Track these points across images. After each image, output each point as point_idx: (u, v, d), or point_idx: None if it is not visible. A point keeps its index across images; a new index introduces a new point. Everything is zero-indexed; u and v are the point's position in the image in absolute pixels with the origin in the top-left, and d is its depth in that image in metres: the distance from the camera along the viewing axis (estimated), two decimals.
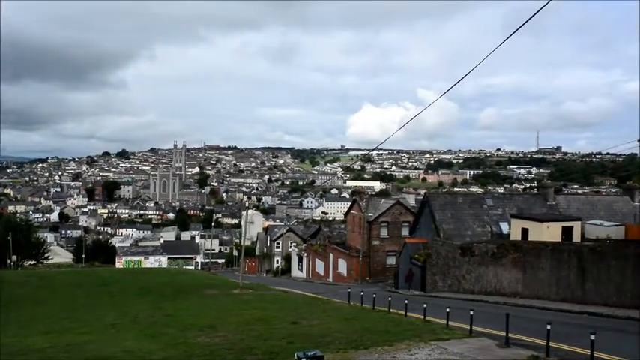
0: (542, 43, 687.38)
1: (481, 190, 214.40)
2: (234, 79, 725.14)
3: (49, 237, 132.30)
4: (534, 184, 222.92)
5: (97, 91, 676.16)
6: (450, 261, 33.28)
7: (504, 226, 37.26)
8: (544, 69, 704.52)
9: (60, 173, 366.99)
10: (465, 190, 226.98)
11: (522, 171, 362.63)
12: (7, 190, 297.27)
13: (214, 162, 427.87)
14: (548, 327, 13.42)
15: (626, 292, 22.65)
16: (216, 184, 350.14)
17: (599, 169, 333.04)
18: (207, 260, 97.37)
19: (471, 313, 16.50)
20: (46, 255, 76.90)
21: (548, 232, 30.39)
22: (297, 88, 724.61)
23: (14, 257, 69.48)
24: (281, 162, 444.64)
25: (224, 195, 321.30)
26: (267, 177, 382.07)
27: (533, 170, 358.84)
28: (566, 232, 31.06)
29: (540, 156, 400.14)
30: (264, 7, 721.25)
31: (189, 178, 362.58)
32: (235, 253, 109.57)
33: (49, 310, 25.06)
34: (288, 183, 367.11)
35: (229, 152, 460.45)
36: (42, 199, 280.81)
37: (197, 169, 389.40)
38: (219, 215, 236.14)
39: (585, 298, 24.19)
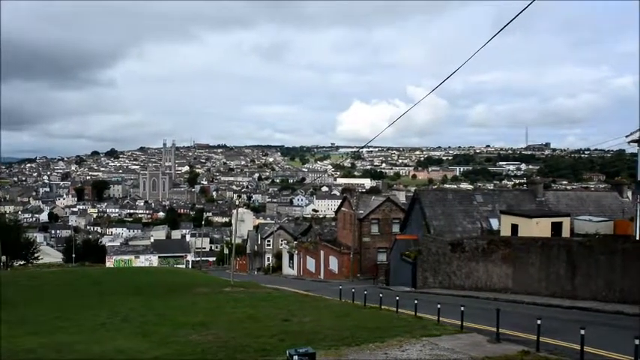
0: (531, 41, 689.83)
1: (471, 186, 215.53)
2: (224, 77, 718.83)
3: (39, 237, 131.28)
4: (523, 180, 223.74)
5: (85, 90, 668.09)
6: (440, 257, 33.38)
7: (494, 222, 37.38)
8: (534, 66, 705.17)
9: (49, 173, 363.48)
10: (455, 186, 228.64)
11: (512, 167, 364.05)
12: None
13: (204, 160, 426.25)
14: (539, 322, 13.55)
15: (615, 286, 22.83)
16: (206, 183, 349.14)
17: (587, 165, 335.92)
18: (198, 259, 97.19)
19: (462, 309, 16.57)
20: (35, 255, 76.30)
21: (538, 228, 30.54)
22: (287, 86, 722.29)
23: (3, 258, 68.94)
24: (271, 160, 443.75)
25: (214, 193, 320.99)
26: (257, 175, 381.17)
27: (523, 166, 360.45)
28: (556, 227, 31.24)
29: (529, 152, 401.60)
30: (257, 5, 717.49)
31: (179, 177, 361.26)
32: (226, 251, 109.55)
33: (39, 310, 24.85)
34: (278, 181, 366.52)
35: (219, 150, 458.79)
36: (31, 199, 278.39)
37: (187, 168, 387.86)
38: (210, 214, 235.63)
39: (575, 293, 24.35)
